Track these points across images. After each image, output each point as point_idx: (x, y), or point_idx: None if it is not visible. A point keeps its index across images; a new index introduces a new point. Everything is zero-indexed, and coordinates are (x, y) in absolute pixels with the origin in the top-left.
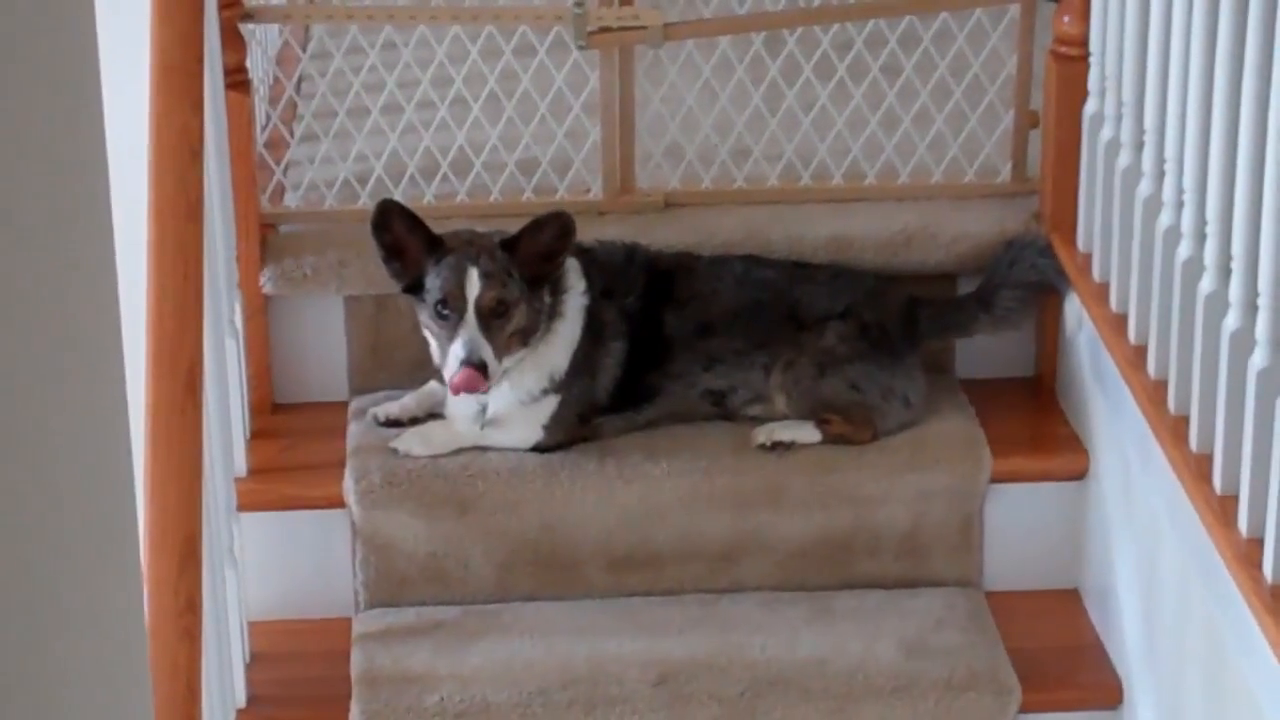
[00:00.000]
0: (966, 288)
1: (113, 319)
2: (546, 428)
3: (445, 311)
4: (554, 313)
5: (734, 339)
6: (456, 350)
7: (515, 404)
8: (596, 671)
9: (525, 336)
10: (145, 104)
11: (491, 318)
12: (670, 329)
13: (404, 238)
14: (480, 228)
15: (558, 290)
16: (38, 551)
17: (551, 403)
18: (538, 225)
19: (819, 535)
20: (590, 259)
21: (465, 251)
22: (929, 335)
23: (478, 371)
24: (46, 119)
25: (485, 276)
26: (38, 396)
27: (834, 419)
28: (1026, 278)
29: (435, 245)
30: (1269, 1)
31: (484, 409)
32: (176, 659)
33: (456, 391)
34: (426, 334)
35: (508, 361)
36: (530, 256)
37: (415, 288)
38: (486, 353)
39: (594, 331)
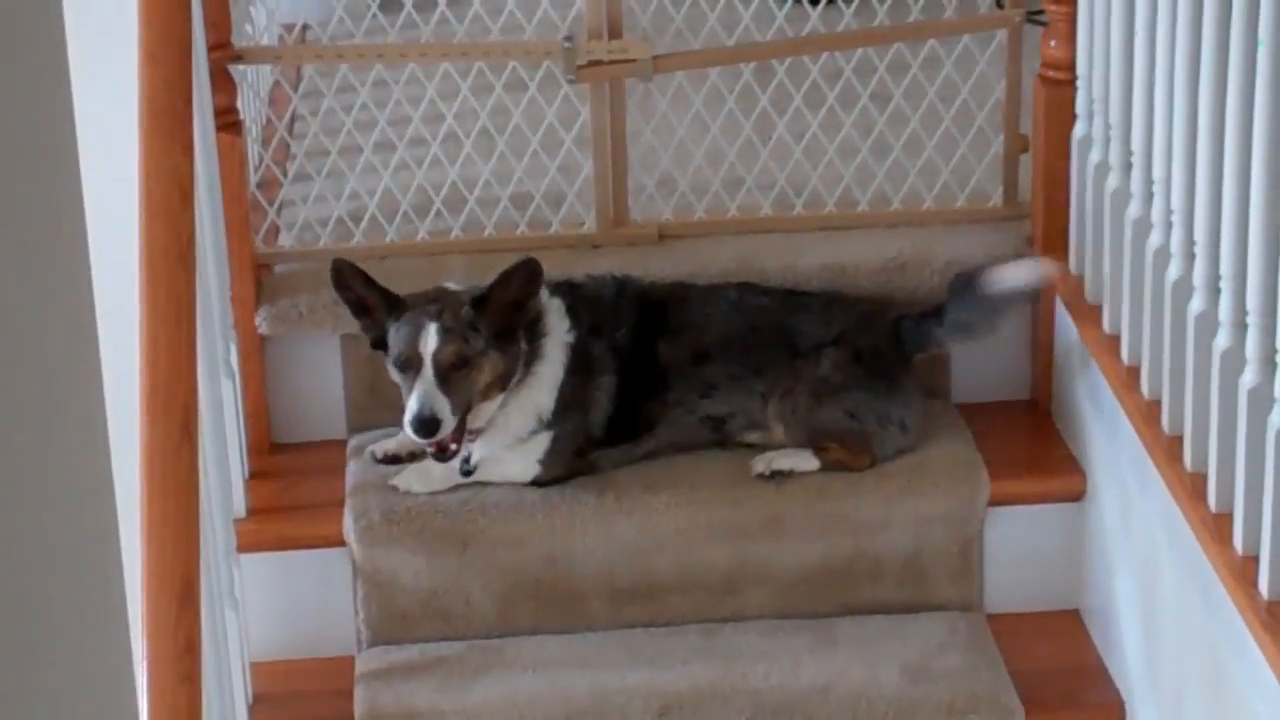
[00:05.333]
0: None
1: (92, 363)
2: (542, 462)
3: (404, 369)
4: (533, 356)
5: (730, 365)
6: (411, 404)
7: (502, 447)
8: (600, 704)
9: (502, 384)
10: (135, 147)
11: (451, 371)
12: (665, 358)
13: (364, 295)
14: (452, 285)
15: (536, 335)
16: (19, 601)
17: (544, 439)
18: (506, 277)
19: (819, 563)
20: (578, 295)
21: (425, 309)
22: (912, 351)
23: (429, 426)
24: (18, 160)
25: (444, 332)
26: (16, 444)
27: (832, 446)
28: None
29: (394, 304)
30: (1251, 22)
31: (467, 458)
32: (176, 702)
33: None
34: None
35: (484, 408)
36: (502, 307)
37: (382, 343)
38: (441, 407)
39: (582, 368)
